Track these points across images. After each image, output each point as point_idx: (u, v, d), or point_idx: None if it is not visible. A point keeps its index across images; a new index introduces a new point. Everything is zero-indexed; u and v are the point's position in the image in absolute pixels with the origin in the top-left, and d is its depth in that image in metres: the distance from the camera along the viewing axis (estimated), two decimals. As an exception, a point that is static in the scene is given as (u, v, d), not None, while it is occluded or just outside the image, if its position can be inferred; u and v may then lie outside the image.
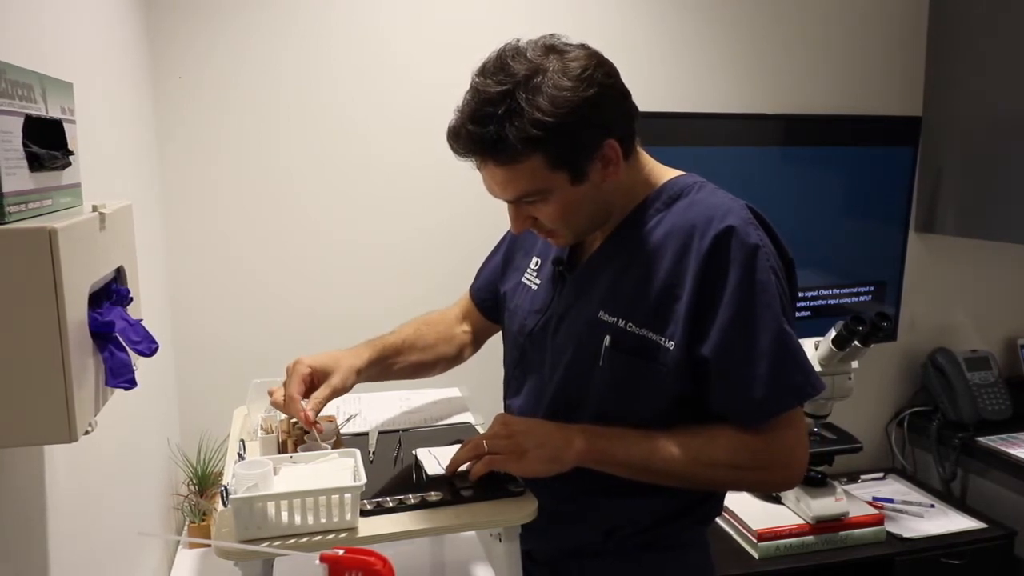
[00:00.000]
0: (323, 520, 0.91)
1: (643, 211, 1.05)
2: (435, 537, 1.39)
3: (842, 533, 1.80)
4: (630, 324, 1.01)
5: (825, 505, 1.79)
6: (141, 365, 0.82)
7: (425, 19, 1.81)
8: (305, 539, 0.90)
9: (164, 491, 1.61)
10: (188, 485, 1.66)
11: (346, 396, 1.39)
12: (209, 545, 1.36)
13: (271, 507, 0.90)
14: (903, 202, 2.15)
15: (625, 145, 0.99)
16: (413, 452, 1.11)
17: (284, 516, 0.90)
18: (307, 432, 1.13)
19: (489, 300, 1.30)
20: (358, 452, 1.01)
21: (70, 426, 0.65)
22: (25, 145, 0.66)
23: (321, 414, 1.19)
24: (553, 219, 1.01)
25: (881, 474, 2.21)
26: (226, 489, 0.92)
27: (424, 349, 1.26)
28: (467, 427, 1.27)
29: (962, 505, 2.02)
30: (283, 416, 1.17)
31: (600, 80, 0.94)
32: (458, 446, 1.05)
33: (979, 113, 2.04)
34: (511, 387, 1.22)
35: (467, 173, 1.03)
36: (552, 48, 0.95)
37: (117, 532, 1.18)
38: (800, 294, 2.04)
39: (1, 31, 0.81)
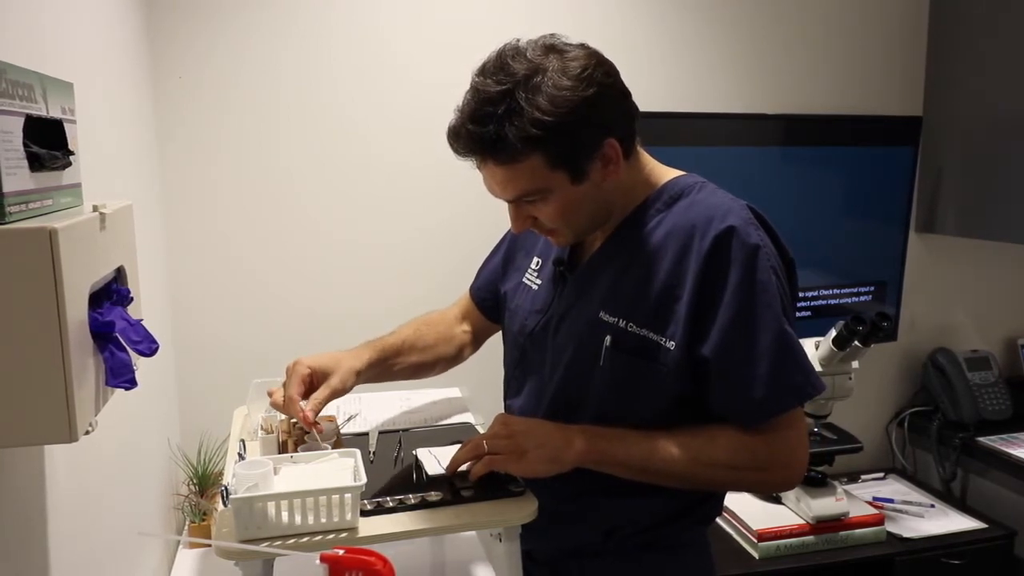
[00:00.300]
0: (323, 520, 0.91)
1: (644, 211, 1.05)
2: (435, 537, 1.39)
3: (842, 533, 1.80)
4: (631, 324, 1.01)
5: (825, 505, 1.79)
6: (141, 365, 0.82)
7: (425, 19, 1.81)
8: (305, 539, 0.90)
9: (164, 491, 1.61)
10: (188, 485, 1.66)
11: (346, 396, 1.39)
12: (209, 545, 1.36)
13: (271, 507, 0.90)
14: (903, 202, 2.15)
15: (625, 144, 0.99)
16: (413, 452, 1.11)
17: (284, 516, 0.90)
18: (307, 432, 1.13)
19: (489, 300, 1.30)
20: (358, 452, 1.01)
21: (70, 426, 0.65)
22: (25, 145, 0.66)
23: (321, 414, 1.20)
24: (553, 218, 1.01)
25: (881, 474, 2.21)
26: (226, 489, 0.92)
27: (424, 350, 1.26)
28: (467, 427, 1.27)
29: (962, 505, 2.02)
30: (283, 416, 1.17)
31: (600, 80, 0.94)
32: (458, 446, 1.05)
33: (979, 113, 2.04)
34: (511, 387, 1.22)
35: (467, 173, 1.03)
36: (552, 48, 0.96)
37: (117, 532, 1.18)
38: (800, 294, 2.04)
39: (1, 31, 0.81)
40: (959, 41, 2.08)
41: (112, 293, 0.80)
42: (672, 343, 0.98)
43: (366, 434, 1.24)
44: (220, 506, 0.94)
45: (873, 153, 2.10)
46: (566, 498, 1.07)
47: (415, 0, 1.80)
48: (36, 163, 0.68)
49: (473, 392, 1.41)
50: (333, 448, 1.06)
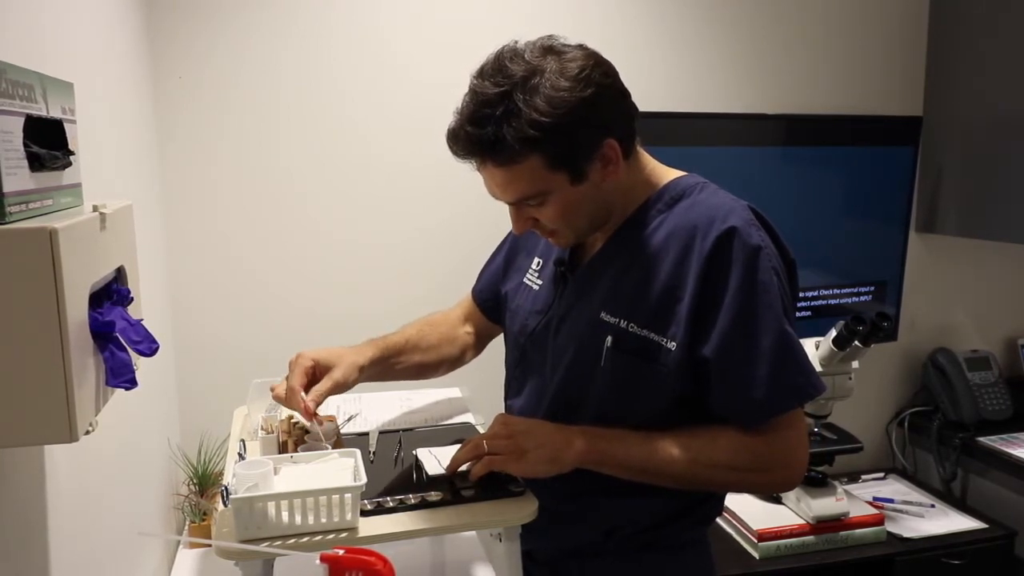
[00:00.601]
0: (323, 520, 0.91)
1: (645, 212, 1.05)
2: (435, 537, 1.39)
3: (842, 533, 1.80)
4: (632, 325, 1.01)
5: (825, 505, 1.79)
6: (141, 365, 0.82)
7: (425, 19, 1.81)
8: (305, 539, 0.90)
9: (164, 491, 1.61)
10: (188, 485, 1.66)
11: (346, 396, 1.39)
12: (209, 545, 1.36)
13: (271, 507, 0.90)
14: (903, 202, 2.15)
15: (625, 145, 0.99)
16: (413, 452, 1.11)
17: (284, 516, 0.90)
18: (307, 432, 1.13)
19: (491, 301, 1.30)
20: (358, 452, 1.01)
21: (71, 426, 0.65)
22: (26, 145, 0.66)
23: (322, 414, 1.20)
24: (554, 219, 1.01)
25: (881, 474, 2.21)
26: (226, 489, 0.92)
27: (427, 350, 1.26)
28: (467, 427, 1.27)
29: (962, 505, 2.02)
30: (283, 416, 1.17)
31: (598, 80, 0.94)
32: (458, 446, 1.05)
33: (979, 113, 2.04)
34: (512, 387, 1.22)
35: (467, 173, 1.03)
36: (550, 49, 0.96)
37: (117, 532, 1.18)
38: (800, 294, 2.03)
39: (1, 31, 0.81)
40: (959, 41, 2.08)
41: (112, 293, 0.80)
42: (673, 344, 0.98)
43: (366, 434, 1.24)
44: (220, 506, 0.94)
45: (873, 153, 2.10)
46: (566, 498, 1.07)
47: (415, 0, 1.80)
48: (36, 163, 0.68)
49: (473, 392, 1.41)
50: (333, 448, 1.06)
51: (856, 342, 1.72)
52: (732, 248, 0.96)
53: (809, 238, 2.08)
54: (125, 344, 0.75)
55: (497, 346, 1.30)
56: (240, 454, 1.10)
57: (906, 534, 1.85)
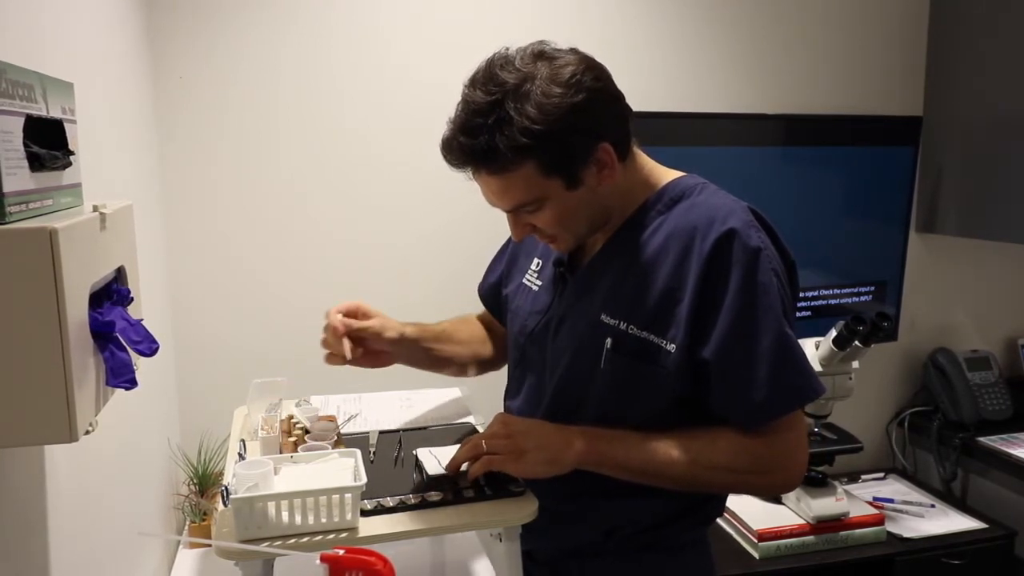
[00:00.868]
0: (323, 520, 0.91)
1: (644, 213, 1.05)
2: (435, 537, 1.39)
3: (842, 533, 1.80)
4: (631, 327, 1.00)
5: (825, 505, 1.79)
6: (141, 365, 0.82)
7: (425, 19, 1.81)
8: (305, 539, 0.90)
9: (164, 491, 1.61)
10: (188, 485, 1.67)
11: (346, 396, 1.40)
12: (209, 545, 1.36)
13: (271, 507, 0.90)
14: (903, 202, 2.15)
15: (619, 148, 0.99)
16: (413, 452, 1.11)
17: (284, 516, 0.90)
18: (308, 432, 1.13)
19: (492, 302, 1.31)
20: (358, 452, 1.01)
21: (71, 426, 0.65)
22: (26, 145, 0.66)
23: (321, 414, 1.20)
24: (551, 225, 1.01)
25: (881, 474, 2.21)
26: (226, 489, 0.92)
27: (461, 343, 1.27)
28: (468, 427, 1.27)
29: (962, 505, 2.02)
30: (283, 416, 1.17)
31: (589, 85, 0.93)
32: (459, 446, 1.05)
33: (979, 113, 2.04)
34: (511, 388, 1.22)
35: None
36: (541, 55, 0.95)
37: (117, 532, 1.18)
38: (800, 294, 2.03)
39: (1, 31, 0.81)
40: (959, 41, 2.08)
41: (112, 293, 0.80)
42: (673, 345, 0.98)
43: (366, 434, 1.24)
44: (220, 506, 0.94)
45: (873, 153, 2.10)
46: (566, 498, 1.07)
47: (415, 0, 1.80)
48: (36, 163, 0.68)
49: (473, 392, 1.41)
50: (333, 448, 1.06)
51: (856, 342, 1.72)
52: (732, 250, 0.95)
53: (809, 238, 2.08)
54: (125, 344, 0.75)
55: (497, 346, 1.30)
56: (240, 454, 1.10)
57: (906, 534, 1.85)
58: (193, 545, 1.58)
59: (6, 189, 0.62)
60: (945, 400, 2.18)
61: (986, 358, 2.23)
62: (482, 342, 1.31)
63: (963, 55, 2.07)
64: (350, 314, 1.14)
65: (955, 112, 2.10)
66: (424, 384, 1.38)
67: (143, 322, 0.82)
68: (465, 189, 1.04)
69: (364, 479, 0.92)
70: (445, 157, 0.98)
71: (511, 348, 1.22)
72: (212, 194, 1.76)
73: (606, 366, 1.02)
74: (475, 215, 1.79)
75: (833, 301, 2.14)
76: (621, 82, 1.00)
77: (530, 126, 0.90)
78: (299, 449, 1.09)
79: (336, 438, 1.14)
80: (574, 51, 0.97)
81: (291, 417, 1.18)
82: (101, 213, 0.75)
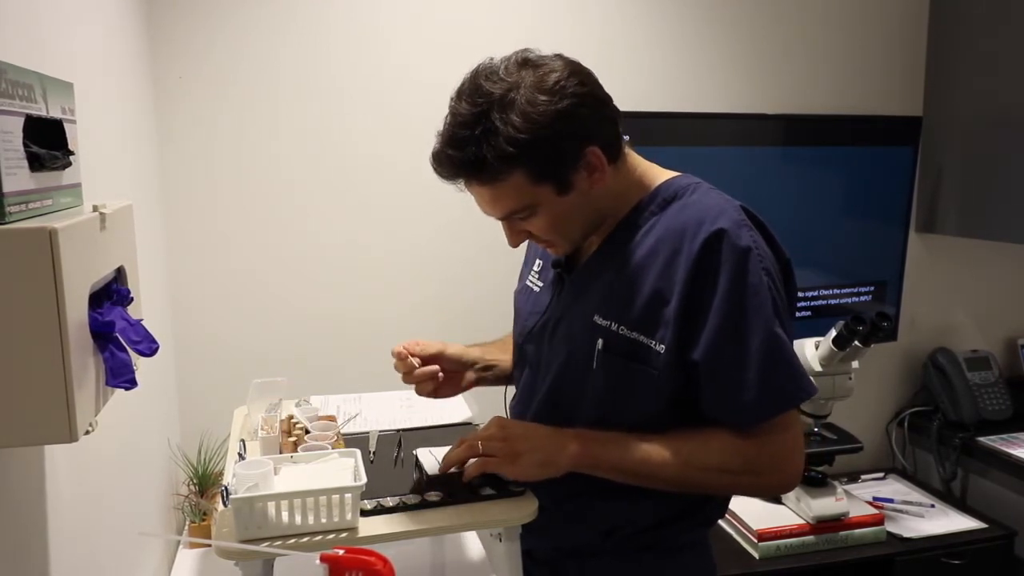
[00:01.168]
0: (323, 520, 0.91)
1: (637, 214, 1.04)
2: (435, 537, 1.39)
3: (842, 533, 1.80)
4: (622, 327, 1.00)
5: (825, 505, 1.79)
6: (141, 365, 0.82)
7: (425, 19, 1.81)
8: (305, 539, 0.90)
9: (164, 491, 1.61)
10: (188, 485, 1.67)
11: (346, 396, 1.40)
12: (209, 545, 1.36)
13: (271, 507, 0.90)
14: (903, 202, 2.15)
15: (609, 151, 0.99)
16: (413, 452, 1.11)
17: (284, 516, 0.90)
18: (308, 432, 1.13)
19: None
20: (358, 452, 1.01)
21: (70, 426, 0.65)
22: (25, 145, 0.66)
23: (321, 414, 1.20)
24: (545, 231, 1.01)
25: (881, 474, 2.21)
26: (226, 489, 0.92)
27: (507, 351, 1.28)
28: (467, 427, 1.28)
29: (962, 505, 2.02)
30: (283, 416, 1.17)
31: (573, 90, 0.94)
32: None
33: (979, 113, 2.04)
34: (512, 388, 1.22)
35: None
36: (526, 62, 0.96)
37: (117, 532, 1.18)
38: (800, 294, 2.04)
39: (1, 31, 0.81)
40: (959, 41, 2.08)
41: (112, 293, 0.80)
42: (662, 346, 0.98)
43: (366, 434, 1.24)
44: (220, 506, 0.94)
45: (873, 153, 2.10)
46: (566, 498, 1.07)
47: (415, 0, 1.80)
48: (36, 163, 0.68)
49: (473, 392, 1.41)
50: (333, 448, 1.06)
51: (856, 342, 1.72)
52: (721, 250, 0.95)
53: (809, 238, 2.08)
54: (125, 344, 0.75)
55: (497, 346, 1.30)
56: (240, 454, 1.10)
57: (906, 534, 1.85)
58: (193, 545, 1.58)
59: (6, 189, 0.62)
60: (945, 400, 2.18)
61: (986, 358, 2.23)
62: None
63: (963, 55, 2.07)
64: (431, 352, 1.17)
65: (955, 112, 2.10)
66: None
67: (143, 322, 0.82)
68: (466, 189, 1.05)
69: (364, 479, 0.92)
70: (435, 170, 0.99)
71: (514, 349, 1.22)
72: (212, 194, 1.76)
73: (598, 367, 1.02)
74: (476, 214, 1.78)
75: (833, 301, 2.13)
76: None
77: (515, 135, 0.91)
78: (299, 449, 1.09)
79: (336, 438, 1.14)
80: (559, 57, 0.98)
81: (291, 417, 1.18)
82: (101, 213, 0.75)
